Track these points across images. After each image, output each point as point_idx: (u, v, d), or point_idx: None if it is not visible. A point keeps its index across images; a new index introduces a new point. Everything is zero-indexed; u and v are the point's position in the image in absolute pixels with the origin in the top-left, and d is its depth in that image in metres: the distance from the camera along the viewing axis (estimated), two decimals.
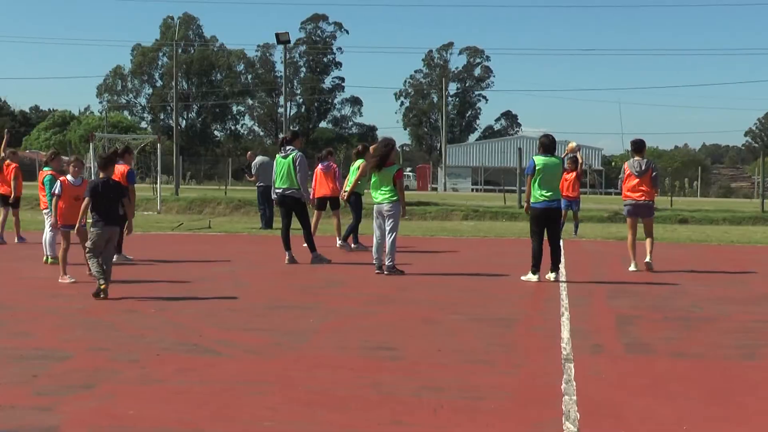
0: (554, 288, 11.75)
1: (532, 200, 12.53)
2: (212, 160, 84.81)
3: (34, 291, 11.01)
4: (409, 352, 7.35)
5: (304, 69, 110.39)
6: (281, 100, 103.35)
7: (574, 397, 5.92)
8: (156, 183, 33.44)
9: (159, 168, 31.52)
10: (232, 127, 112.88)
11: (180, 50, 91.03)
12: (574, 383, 6.32)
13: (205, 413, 5.44)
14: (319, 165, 17.96)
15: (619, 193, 14.84)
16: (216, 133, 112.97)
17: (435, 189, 76.22)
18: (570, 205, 20.51)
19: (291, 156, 14.32)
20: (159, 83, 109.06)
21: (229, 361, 6.94)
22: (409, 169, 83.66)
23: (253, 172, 21.06)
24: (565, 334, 8.30)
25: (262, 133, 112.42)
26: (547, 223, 12.54)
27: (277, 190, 14.47)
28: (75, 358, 6.94)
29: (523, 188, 23.49)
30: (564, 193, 20.63)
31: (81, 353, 7.14)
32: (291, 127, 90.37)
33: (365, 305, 10.11)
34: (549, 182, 12.46)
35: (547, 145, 12.67)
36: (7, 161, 17.97)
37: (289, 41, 36.75)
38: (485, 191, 71.32)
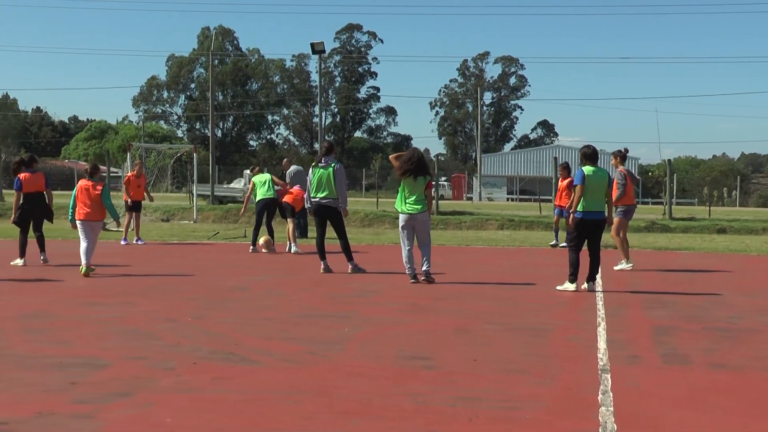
0: (590, 298, 11.68)
1: (578, 210, 12.41)
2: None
3: (73, 299, 11.14)
4: (444, 362, 7.34)
5: (339, 79, 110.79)
6: (316, 109, 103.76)
7: (611, 409, 5.88)
8: (192, 192, 33.68)
9: (195, 177, 31.76)
10: (268, 137, 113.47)
11: (216, 61, 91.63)
12: (611, 394, 6.28)
13: (241, 422, 5.47)
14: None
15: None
16: (251, 142, 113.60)
17: (470, 198, 76.07)
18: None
19: (332, 166, 14.38)
20: (195, 93, 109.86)
21: (264, 370, 6.98)
22: (443, 178, 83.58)
23: (288, 180, 21.16)
24: (602, 344, 8.25)
25: (297, 143, 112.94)
26: (590, 233, 12.47)
27: (313, 200, 14.49)
28: (113, 367, 7.01)
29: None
30: (559, 202, 20.65)
31: (119, 361, 7.21)
32: (326, 137, 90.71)
33: (400, 314, 10.12)
34: (595, 193, 12.38)
35: (590, 155, 12.62)
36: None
37: (324, 51, 36.91)
38: (520, 201, 71.04)
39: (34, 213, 15.81)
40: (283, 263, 16.23)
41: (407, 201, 13.13)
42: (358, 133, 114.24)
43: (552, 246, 20.78)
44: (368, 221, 29.31)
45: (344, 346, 8.05)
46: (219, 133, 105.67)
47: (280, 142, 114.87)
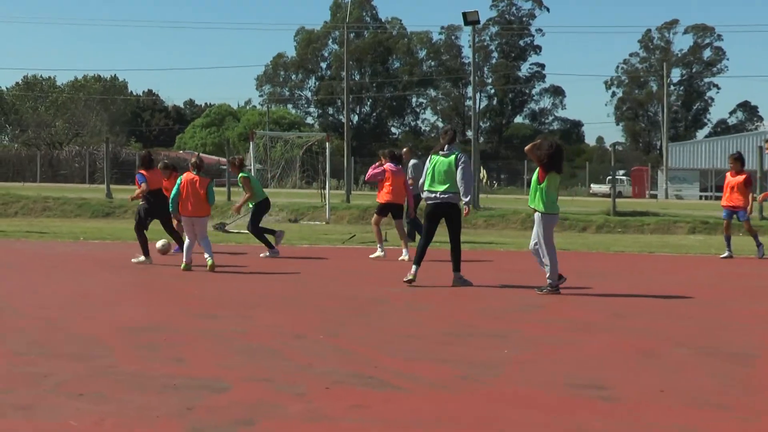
0: None
1: None
2: None
3: (189, 310, 11.44)
4: (624, 392, 7.21)
5: (496, 54, 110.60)
6: (469, 90, 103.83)
7: None
8: (324, 188, 34.14)
9: (327, 171, 32.14)
10: (412, 123, 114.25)
11: (352, 34, 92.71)
12: None
13: None
14: (389, 164, 18.47)
15: None
16: (393, 129, 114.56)
17: (654, 196, 74.70)
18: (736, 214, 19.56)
19: (455, 154, 14.16)
20: (327, 73, 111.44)
21: (409, 397, 6.99)
22: (622, 172, 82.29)
23: (411, 174, 20.22)
24: None
25: None
26: None
27: (429, 194, 14.21)
28: (234, 389, 7.15)
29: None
30: (730, 202, 19.65)
31: (240, 383, 7.35)
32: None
33: (569, 333, 9.99)
34: None
35: None
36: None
37: (478, 21, 36.88)
38: (716, 199, 69.26)
39: (160, 211, 17.22)
40: (425, 271, 16.24)
41: (547, 198, 13.10)
42: (518, 119, 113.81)
43: (726, 257, 19.70)
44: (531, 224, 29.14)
45: (502, 370, 8.00)
46: (355, 119, 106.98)
47: (427, 128, 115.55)
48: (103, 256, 18.25)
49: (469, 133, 73.64)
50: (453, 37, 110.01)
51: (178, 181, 16.14)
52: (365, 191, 62.79)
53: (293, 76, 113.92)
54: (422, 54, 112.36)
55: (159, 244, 18.46)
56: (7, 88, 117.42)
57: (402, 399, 6.92)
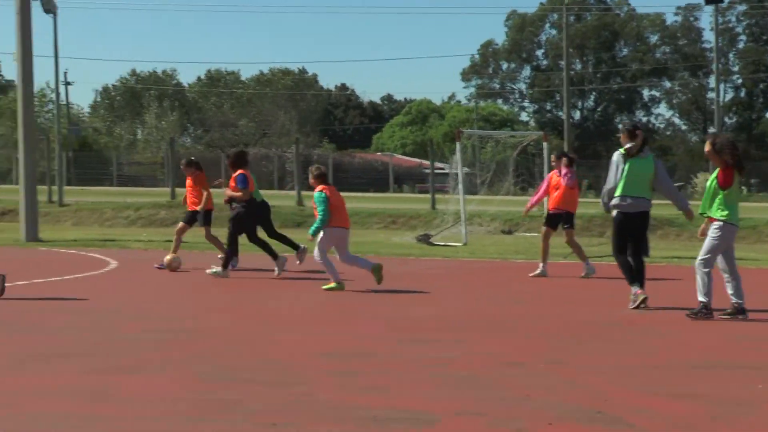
0: None
1: None
2: None
3: (390, 334, 11.54)
4: None
5: (743, 37, 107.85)
6: (711, 80, 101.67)
7: None
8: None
9: (544, 175, 31.96)
10: (643, 118, 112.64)
11: (572, 17, 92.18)
12: None
13: None
14: (567, 170, 18.35)
15: None
16: (620, 126, 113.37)
17: None
18: None
19: (651, 157, 13.97)
20: (544, 62, 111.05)
21: None
22: None
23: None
24: None
25: (683, 127, 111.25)
26: None
27: (622, 199, 13.90)
28: (442, 423, 7.15)
29: None
30: None
31: (449, 417, 7.34)
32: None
33: None
34: None
35: None
36: None
37: (722, 0, 36.09)
38: None
39: (264, 216, 17.74)
40: (657, 290, 15.91)
41: (734, 206, 12.79)
42: None
43: None
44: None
45: (759, 407, 7.79)
46: (576, 115, 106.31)
47: (662, 126, 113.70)
48: (289, 272, 18.37)
49: (712, 129, 71.91)
50: (691, 19, 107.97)
51: (323, 194, 15.72)
52: (589, 198, 62.23)
53: (504, 67, 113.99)
54: (654, 39, 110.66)
55: (167, 258, 18.51)
56: (188, 85, 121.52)
57: None
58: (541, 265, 18.27)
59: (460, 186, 27.04)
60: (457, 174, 27.97)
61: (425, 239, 25.76)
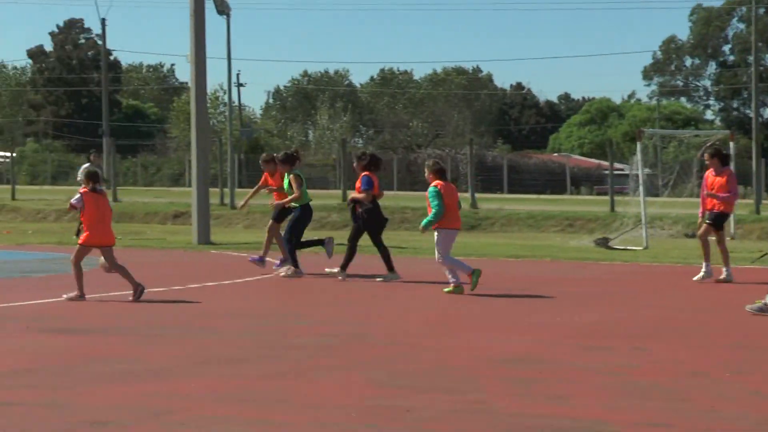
0: None
1: None
2: None
3: (567, 341, 11.44)
4: None
5: None
6: None
7: None
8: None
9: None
10: None
11: (761, 10, 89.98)
12: None
13: None
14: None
15: None
16: None
17: None
18: None
19: None
20: (731, 58, 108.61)
21: None
22: None
23: None
24: None
25: None
26: None
27: None
28: None
29: None
30: None
31: (632, 428, 7.25)
32: None
33: None
34: None
35: None
36: None
37: None
38: None
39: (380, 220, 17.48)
40: None
41: None
42: None
43: None
44: None
45: None
46: (766, 114, 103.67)
47: None
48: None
49: None
50: None
51: (438, 190, 15.65)
52: None
53: (688, 63, 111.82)
54: None
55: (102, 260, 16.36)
56: (361, 85, 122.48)
57: None
58: (704, 267, 17.80)
59: (641, 188, 26.59)
60: (637, 175, 27.52)
61: (604, 243, 25.45)
